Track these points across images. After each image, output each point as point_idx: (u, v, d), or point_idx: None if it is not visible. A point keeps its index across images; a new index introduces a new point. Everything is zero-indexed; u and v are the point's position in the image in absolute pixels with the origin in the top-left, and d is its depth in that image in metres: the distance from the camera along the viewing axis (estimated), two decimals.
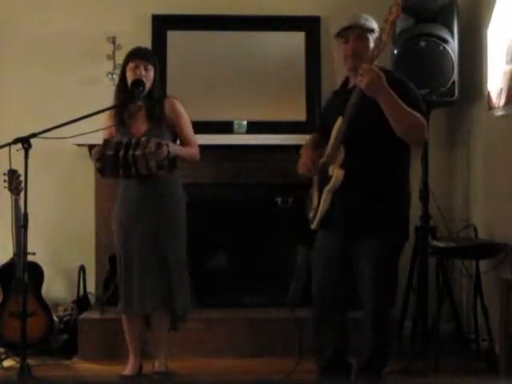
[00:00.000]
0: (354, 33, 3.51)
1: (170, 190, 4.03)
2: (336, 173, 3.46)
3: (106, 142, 3.91)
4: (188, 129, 4.09)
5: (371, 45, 3.46)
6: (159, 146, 3.84)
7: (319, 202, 3.57)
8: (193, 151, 4.07)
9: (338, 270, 3.59)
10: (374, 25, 3.52)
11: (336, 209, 3.52)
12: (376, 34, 3.45)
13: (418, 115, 3.38)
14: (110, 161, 3.85)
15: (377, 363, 3.57)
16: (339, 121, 3.47)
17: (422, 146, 3.49)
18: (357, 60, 3.46)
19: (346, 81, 3.66)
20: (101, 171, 3.94)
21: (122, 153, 3.84)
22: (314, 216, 3.60)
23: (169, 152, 3.87)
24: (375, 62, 3.42)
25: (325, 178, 3.53)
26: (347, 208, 3.50)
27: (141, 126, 4.00)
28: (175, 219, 4.04)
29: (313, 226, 3.62)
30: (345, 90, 3.60)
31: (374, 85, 3.30)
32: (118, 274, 4.09)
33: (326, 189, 3.50)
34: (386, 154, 3.47)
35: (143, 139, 3.87)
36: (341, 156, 3.45)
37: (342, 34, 3.54)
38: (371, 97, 3.32)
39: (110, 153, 3.85)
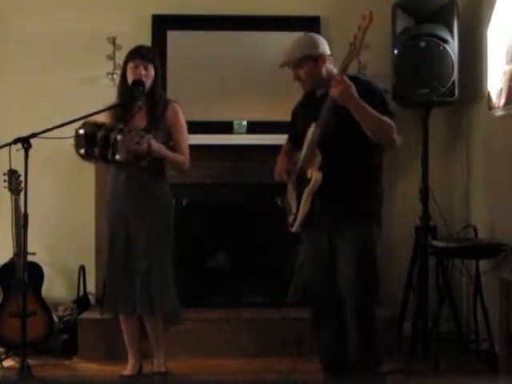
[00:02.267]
0: (290, 66, 3.72)
1: (158, 194, 4.01)
2: (315, 175, 3.58)
3: (85, 123, 3.86)
4: (183, 136, 4.07)
5: (316, 66, 3.62)
6: (141, 137, 3.82)
7: (298, 206, 3.68)
8: (182, 159, 4.03)
9: (325, 269, 3.67)
10: (311, 47, 3.64)
11: (316, 210, 3.63)
12: (319, 52, 3.62)
13: (387, 119, 3.52)
14: (83, 139, 3.82)
15: (367, 362, 3.59)
16: (312, 127, 3.60)
17: (394, 146, 3.62)
18: (305, 85, 3.69)
19: (312, 91, 3.77)
20: (76, 150, 3.88)
21: (101, 133, 3.80)
22: (294, 220, 3.71)
23: (150, 146, 3.84)
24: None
25: (303, 182, 3.65)
26: (326, 208, 3.62)
27: (139, 123, 3.99)
28: (160, 221, 4.00)
29: (293, 230, 3.73)
30: (313, 99, 3.72)
31: (345, 94, 3.43)
32: (106, 273, 4.08)
33: (306, 191, 3.62)
34: (359, 155, 3.60)
35: (128, 128, 3.84)
36: (318, 159, 3.59)
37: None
38: (342, 105, 3.45)
39: (81, 132, 3.82)
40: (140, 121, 3.99)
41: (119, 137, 3.79)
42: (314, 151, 3.60)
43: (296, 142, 3.79)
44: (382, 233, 3.72)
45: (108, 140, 3.80)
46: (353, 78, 3.57)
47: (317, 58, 3.63)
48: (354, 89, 3.44)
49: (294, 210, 3.74)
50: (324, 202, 3.61)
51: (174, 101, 4.11)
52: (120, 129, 3.82)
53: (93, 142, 3.81)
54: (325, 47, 3.67)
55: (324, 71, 3.64)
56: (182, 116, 4.08)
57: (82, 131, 3.81)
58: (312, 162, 3.61)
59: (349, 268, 3.57)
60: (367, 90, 3.56)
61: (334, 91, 3.44)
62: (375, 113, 3.48)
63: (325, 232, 3.66)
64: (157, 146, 3.90)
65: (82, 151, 3.87)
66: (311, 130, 3.61)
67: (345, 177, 3.59)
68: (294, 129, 3.87)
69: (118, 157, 3.81)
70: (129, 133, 3.81)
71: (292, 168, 3.76)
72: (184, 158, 4.05)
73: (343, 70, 3.47)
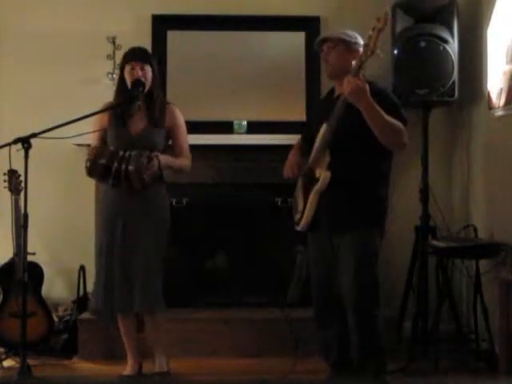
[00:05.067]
0: (326, 44, 3.72)
1: (155, 196, 4.02)
2: (324, 174, 3.61)
3: (100, 149, 3.94)
4: (184, 139, 4.11)
5: (348, 54, 3.65)
6: (150, 159, 3.88)
7: (305, 205, 3.69)
8: (185, 163, 4.09)
9: (329, 270, 3.70)
10: (352, 37, 3.69)
11: (321, 209, 3.65)
12: (355, 45, 3.66)
13: (398, 122, 3.54)
14: (102, 170, 3.89)
15: (370, 363, 3.59)
16: (324, 127, 3.63)
17: (403, 150, 3.69)
18: (330, 68, 3.71)
19: (332, 90, 3.84)
20: (90, 175, 3.97)
21: (115, 165, 3.86)
22: (300, 218, 3.73)
23: (159, 164, 3.92)
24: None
25: (311, 181, 3.67)
26: (330, 208, 3.65)
27: (139, 123, 4.01)
28: (156, 222, 4.01)
29: (298, 228, 3.76)
30: (330, 99, 3.77)
31: (356, 93, 3.45)
32: (97, 274, 4.05)
33: (314, 189, 3.64)
34: (367, 157, 3.62)
35: (134, 153, 3.88)
36: (327, 159, 3.62)
37: (319, 47, 3.77)
38: (354, 104, 3.48)
39: (103, 162, 3.88)
40: (139, 121, 4.01)
41: (131, 167, 3.84)
42: (324, 151, 3.63)
43: (308, 140, 3.81)
44: (383, 235, 3.72)
45: (120, 172, 3.86)
46: (369, 83, 3.56)
47: (350, 45, 3.65)
48: (366, 89, 3.45)
49: (300, 208, 3.75)
50: (328, 202, 3.63)
51: (173, 103, 4.12)
52: (128, 157, 3.86)
53: (109, 173, 3.88)
54: (361, 45, 3.63)
55: (352, 63, 3.60)
56: (181, 118, 4.11)
57: (103, 161, 3.87)
58: (321, 161, 3.64)
59: (348, 270, 3.58)
60: (380, 95, 3.57)
61: (346, 90, 3.47)
62: (386, 116, 3.49)
63: (327, 233, 3.69)
64: (164, 159, 3.97)
65: (98, 179, 4.02)
66: (323, 129, 3.64)
67: (350, 179, 3.62)
68: (309, 127, 3.90)
69: (134, 186, 3.87)
70: (137, 160, 3.85)
71: (302, 165, 3.77)
72: (187, 161, 4.10)
73: (356, 71, 3.49)
